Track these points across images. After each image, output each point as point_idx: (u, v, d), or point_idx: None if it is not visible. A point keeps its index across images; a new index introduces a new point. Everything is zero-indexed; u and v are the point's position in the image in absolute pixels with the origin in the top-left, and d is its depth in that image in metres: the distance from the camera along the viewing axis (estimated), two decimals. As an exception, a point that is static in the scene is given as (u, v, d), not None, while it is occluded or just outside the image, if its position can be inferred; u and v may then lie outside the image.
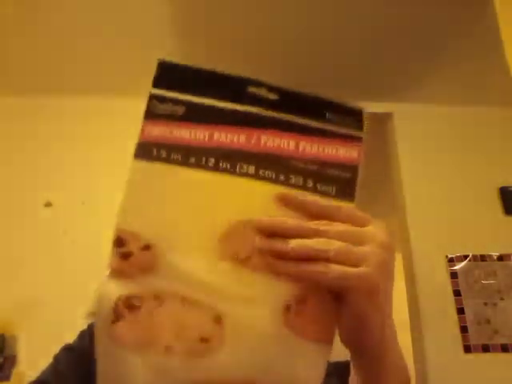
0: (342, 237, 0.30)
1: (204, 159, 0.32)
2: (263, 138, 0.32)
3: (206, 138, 0.32)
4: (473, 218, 1.76)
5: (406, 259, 1.75)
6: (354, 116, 0.36)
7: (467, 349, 1.54)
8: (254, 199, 0.32)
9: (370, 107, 2.00)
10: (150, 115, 0.33)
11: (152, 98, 0.33)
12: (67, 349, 0.61)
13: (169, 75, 0.33)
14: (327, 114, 0.35)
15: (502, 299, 1.61)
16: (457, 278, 1.64)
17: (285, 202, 0.31)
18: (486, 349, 1.54)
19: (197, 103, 0.33)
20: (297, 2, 1.44)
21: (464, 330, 1.57)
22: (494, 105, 1.94)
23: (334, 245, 0.29)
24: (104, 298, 0.29)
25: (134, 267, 0.30)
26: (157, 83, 0.33)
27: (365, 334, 0.31)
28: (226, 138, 0.32)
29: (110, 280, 0.29)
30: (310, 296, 0.30)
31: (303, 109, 0.34)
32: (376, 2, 1.43)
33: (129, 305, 0.29)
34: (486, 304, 1.60)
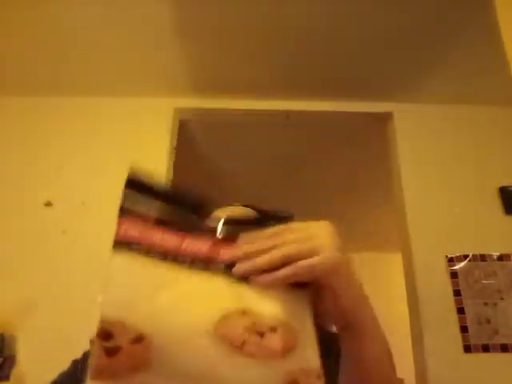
0: (295, 242, 0.37)
1: (179, 259, 0.34)
2: (220, 248, 0.37)
3: (176, 245, 0.35)
4: (473, 218, 1.76)
5: (406, 259, 1.75)
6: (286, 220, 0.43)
7: (467, 349, 1.54)
8: (230, 293, 0.34)
9: (369, 107, 2.00)
10: (125, 216, 0.35)
11: (128, 199, 0.36)
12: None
13: (143, 186, 0.38)
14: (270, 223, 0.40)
15: (502, 299, 1.61)
16: (457, 277, 1.64)
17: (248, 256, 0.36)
18: (486, 349, 1.54)
19: (169, 213, 0.37)
20: (297, 1, 1.44)
21: (464, 329, 1.57)
22: (494, 104, 1.93)
23: (292, 248, 0.36)
24: None
25: (121, 365, 0.27)
26: (130, 187, 0.37)
27: (343, 304, 0.38)
28: (192, 247, 0.36)
29: (93, 382, 0.26)
30: (300, 379, 0.33)
31: (259, 222, 0.40)
32: (376, 2, 1.43)
33: None
34: (486, 304, 1.60)
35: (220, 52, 1.69)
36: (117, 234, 0.34)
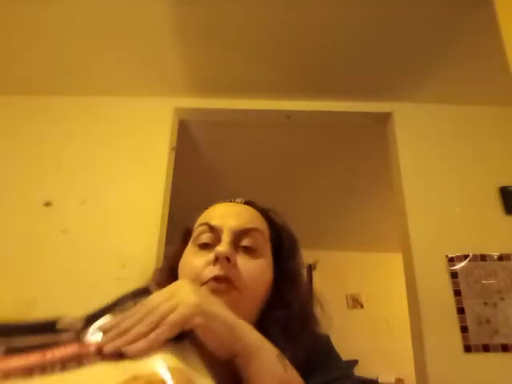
0: (157, 307, 0.41)
1: (48, 368, 0.35)
2: (84, 346, 0.39)
3: (41, 357, 0.36)
4: (473, 217, 1.76)
5: (406, 259, 1.75)
6: None
7: (467, 349, 1.54)
8: (114, 370, 0.36)
9: (369, 107, 2.00)
10: None
11: None
12: None
13: None
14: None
15: (502, 299, 1.61)
16: (457, 277, 1.64)
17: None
18: (486, 349, 1.54)
19: (16, 342, 0.39)
20: (297, 2, 1.44)
21: (464, 329, 1.57)
22: (495, 104, 1.94)
23: (156, 311, 0.40)
24: None
25: None
26: None
27: (219, 339, 0.42)
28: (60, 353, 0.37)
29: None
30: None
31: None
32: (376, 3, 1.43)
33: None
34: (486, 304, 1.60)
35: (220, 52, 1.69)
36: None
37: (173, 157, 1.94)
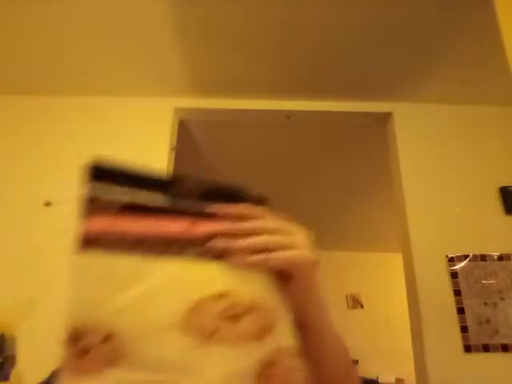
0: (275, 233, 0.38)
1: (150, 247, 0.33)
2: (194, 225, 0.35)
3: (146, 229, 0.34)
4: (473, 217, 1.76)
5: (406, 259, 1.75)
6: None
7: (467, 349, 1.54)
8: (204, 277, 0.34)
9: (369, 107, 2.00)
10: (92, 210, 0.34)
11: (92, 194, 0.34)
12: None
13: (106, 175, 0.35)
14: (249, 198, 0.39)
15: (502, 299, 1.61)
16: (457, 277, 1.64)
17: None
18: (486, 349, 1.54)
19: (134, 198, 0.35)
20: (297, 2, 1.44)
21: (464, 329, 1.57)
22: (494, 104, 1.94)
23: (275, 238, 0.38)
24: None
25: (95, 363, 0.28)
26: (95, 179, 0.35)
27: (305, 301, 0.40)
28: (163, 228, 0.34)
29: (72, 380, 0.27)
30: (278, 359, 0.33)
31: (223, 197, 0.38)
32: (376, 2, 1.43)
33: None
34: (486, 304, 1.60)
35: (220, 52, 1.69)
36: (81, 232, 0.34)
37: (173, 157, 1.94)
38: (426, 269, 1.67)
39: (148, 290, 0.32)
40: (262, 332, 0.34)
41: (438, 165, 1.87)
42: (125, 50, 1.69)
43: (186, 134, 2.13)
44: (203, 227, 0.35)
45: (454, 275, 1.65)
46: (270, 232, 0.38)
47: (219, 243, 0.36)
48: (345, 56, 1.70)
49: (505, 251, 1.68)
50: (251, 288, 0.35)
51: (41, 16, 1.51)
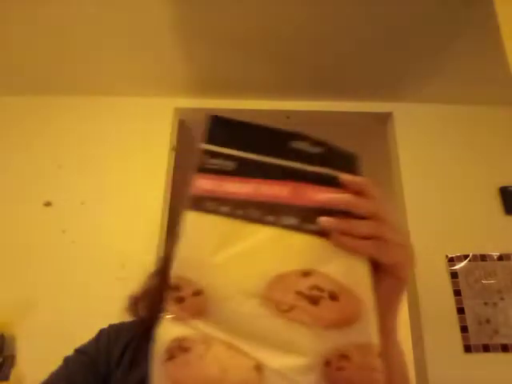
0: (392, 226, 0.35)
1: (250, 212, 0.33)
2: (308, 192, 0.34)
3: (252, 192, 0.34)
4: (473, 217, 1.76)
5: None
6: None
7: (467, 349, 1.54)
8: (297, 250, 0.33)
9: (369, 107, 2.00)
10: (202, 169, 0.35)
11: (204, 153, 0.35)
12: (79, 351, 0.59)
13: (219, 131, 0.36)
14: (362, 171, 0.37)
15: (502, 299, 1.61)
16: (457, 277, 1.64)
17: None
18: (486, 349, 1.54)
19: (244, 159, 0.35)
20: (297, 2, 1.44)
21: (464, 329, 1.57)
22: (495, 104, 1.94)
23: (393, 233, 0.34)
24: (160, 337, 0.32)
25: (187, 311, 0.32)
26: (209, 139, 0.35)
27: (391, 310, 0.37)
28: (270, 192, 0.34)
29: (167, 321, 0.32)
30: (353, 354, 0.31)
31: (340, 163, 0.36)
32: (376, 2, 1.43)
33: (180, 346, 0.31)
34: (486, 304, 1.60)
35: (220, 52, 1.69)
36: (191, 191, 0.35)
37: (173, 157, 1.94)
38: (426, 269, 1.67)
39: (240, 253, 0.33)
40: (342, 321, 0.32)
41: (438, 165, 1.87)
42: (125, 50, 1.69)
43: (185, 134, 2.13)
44: (312, 195, 0.34)
45: (453, 275, 1.65)
46: (383, 220, 0.34)
47: (326, 219, 0.33)
48: (345, 56, 1.70)
49: (505, 251, 1.68)
50: (344, 273, 0.33)
51: (41, 16, 1.51)
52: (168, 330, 0.32)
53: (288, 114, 2.02)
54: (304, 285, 0.32)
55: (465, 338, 1.55)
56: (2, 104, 1.94)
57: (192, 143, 2.32)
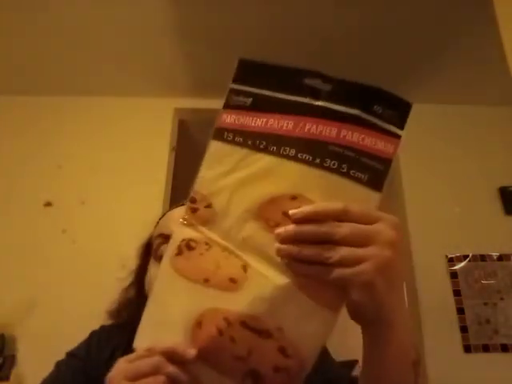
0: (346, 240, 0.34)
1: (258, 142, 0.39)
2: (308, 125, 0.38)
3: (262, 125, 0.39)
4: (473, 218, 1.76)
5: (406, 259, 1.75)
6: (400, 111, 0.42)
7: (467, 349, 1.54)
8: (290, 177, 0.38)
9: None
10: (227, 105, 0.41)
11: (230, 91, 0.41)
12: (70, 355, 0.61)
13: (243, 71, 0.41)
14: (375, 107, 0.39)
15: (501, 299, 1.61)
16: (457, 277, 1.64)
17: (296, 216, 0.36)
18: (485, 349, 1.54)
19: (260, 95, 0.40)
20: (297, 2, 1.44)
21: (464, 329, 1.57)
22: (494, 104, 1.94)
23: (339, 251, 0.34)
24: (174, 236, 0.40)
25: (198, 219, 0.40)
26: (235, 79, 0.41)
27: (362, 315, 0.37)
28: (277, 125, 0.39)
29: (182, 226, 0.40)
30: None
31: (352, 99, 0.39)
32: (376, 2, 1.43)
33: (188, 245, 0.39)
34: (486, 304, 1.60)
35: (220, 52, 1.68)
36: (217, 122, 0.41)
37: (173, 157, 1.94)
38: (426, 269, 1.67)
39: (244, 178, 0.39)
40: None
41: (438, 165, 1.87)
42: (125, 50, 1.69)
43: (186, 133, 2.13)
44: (310, 128, 0.38)
45: (453, 275, 1.65)
46: (344, 241, 0.35)
47: (281, 247, 0.36)
48: (345, 56, 1.70)
49: (505, 251, 1.68)
50: (326, 199, 0.37)
51: (41, 16, 1.51)
52: (181, 232, 0.40)
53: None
54: (290, 207, 0.36)
55: (465, 338, 1.55)
56: (2, 104, 1.94)
57: (192, 143, 2.32)
